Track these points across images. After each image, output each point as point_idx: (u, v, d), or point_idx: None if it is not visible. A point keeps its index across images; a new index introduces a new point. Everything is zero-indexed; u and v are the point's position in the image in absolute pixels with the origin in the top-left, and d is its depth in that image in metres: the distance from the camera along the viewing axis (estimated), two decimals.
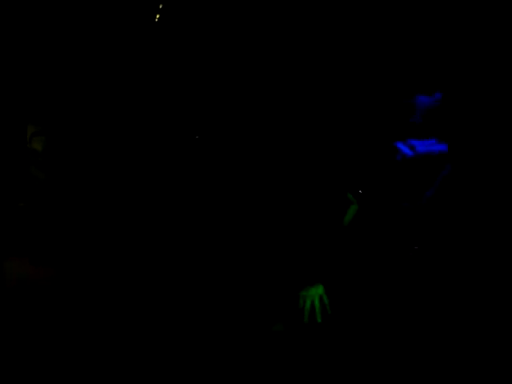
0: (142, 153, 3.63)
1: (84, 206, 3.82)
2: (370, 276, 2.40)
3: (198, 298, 2.93)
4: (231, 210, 3.10)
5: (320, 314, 2.24)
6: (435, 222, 2.53)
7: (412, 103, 2.51)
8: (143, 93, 3.68)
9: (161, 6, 3.48)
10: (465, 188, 2.56)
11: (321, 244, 2.41)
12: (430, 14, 2.66)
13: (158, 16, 3.49)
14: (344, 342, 2.37)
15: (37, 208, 3.96)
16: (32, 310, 3.01)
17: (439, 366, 2.35)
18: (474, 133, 2.58)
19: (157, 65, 3.58)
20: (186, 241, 3.23)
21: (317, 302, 2.26)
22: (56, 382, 2.46)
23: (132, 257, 3.35)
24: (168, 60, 3.53)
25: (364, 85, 2.71)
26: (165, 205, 3.43)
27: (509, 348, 2.34)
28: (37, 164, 4.12)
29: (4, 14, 3.80)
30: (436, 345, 2.37)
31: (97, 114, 3.89)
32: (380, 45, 2.72)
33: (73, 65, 3.88)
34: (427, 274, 2.44)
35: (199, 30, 3.40)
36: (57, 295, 3.19)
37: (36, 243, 3.75)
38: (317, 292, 2.27)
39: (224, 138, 3.28)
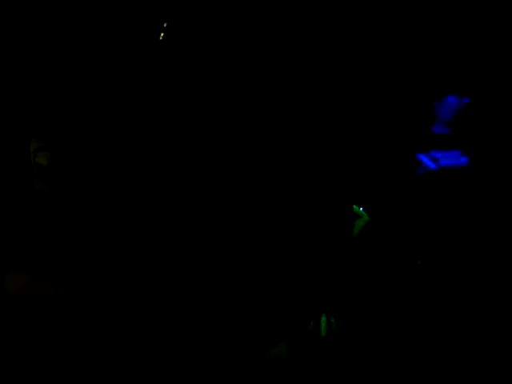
0: (146, 171, 3.63)
1: (87, 221, 3.79)
2: (376, 290, 2.31)
3: (199, 309, 2.88)
4: (238, 227, 3.08)
5: (325, 330, 2.18)
6: (452, 236, 2.42)
7: (435, 110, 2.39)
8: (147, 110, 3.68)
9: (163, 11, 3.46)
10: (486, 200, 2.44)
11: (328, 253, 2.32)
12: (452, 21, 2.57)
13: (160, 22, 3.48)
14: (350, 360, 2.32)
15: (39, 221, 3.92)
16: (32, 323, 2.97)
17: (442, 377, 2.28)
18: (498, 145, 2.46)
19: (161, 77, 3.58)
20: (188, 257, 3.19)
21: (323, 318, 2.21)
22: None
23: (134, 273, 3.31)
24: (170, 68, 3.52)
25: (383, 90, 2.61)
26: (167, 220, 3.42)
27: (509, 348, 2.31)
28: (41, 178, 4.10)
29: (9, 25, 3.79)
30: (441, 359, 2.31)
31: (100, 130, 3.88)
32: (403, 48, 2.63)
33: (77, 80, 3.88)
34: (435, 288, 2.35)
35: (200, 30, 3.40)
36: (57, 309, 3.14)
37: (37, 257, 3.69)
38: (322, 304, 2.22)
39: (229, 140, 3.26)
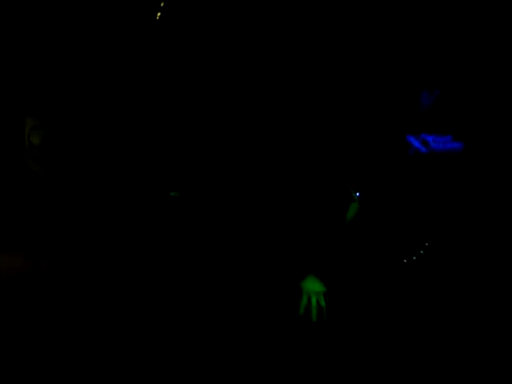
0: (141, 148, 3.60)
1: (81, 200, 3.75)
2: (370, 276, 2.25)
3: (197, 294, 2.83)
4: (231, 201, 3.05)
5: (316, 314, 2.12)
6: (444, 223, 2.34)
7: (425, 91, 2.33)
8: (142, 89, 3.61)
9: (162, 4, 3.46)
10: (478, 189, 2.37)
11: (322, 238, 2.26)
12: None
13: (158, 15, 3.48)
14: (343, 343, 2.29)
15: (33, 201, 3.90)
16: (26, 304, 2.91)
17: (439, 367, 2.25)
18: (494, 131, 2.39)
19: (157, 62, 3.55)
20: (184, 233, 3.16)
21: (314, 301, 2.14)
22: (52, 381, 2.36)
23: (129, 252, 3.25)
24: (168, 58, 3.51)
25: (370, 67, 2.54)
26: (162, 198, 3.39)
27: (509, 348, 2.25)
28: (34, 157, 4.08)
29: (2, 10, 3.79)
30: (437, 347, 2.27)
31: (96, 109, 3.79)
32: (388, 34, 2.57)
33: (72, 60, 3.78)
34: (431, 277, 2.29)
35: (199, 30, 3.40)
36: (51, 289, 3.08)
37: (30, 236, 3.66)
38: (313, 288, 2.14)
39: (224, 136, 3.25)
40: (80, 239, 3.54)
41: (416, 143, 2.34)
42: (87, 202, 3.73)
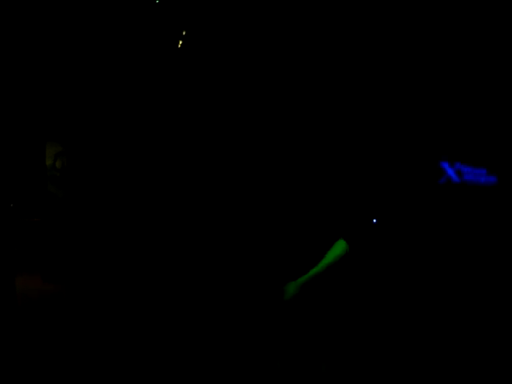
0: (160, 175, 3.67)
1: (99, 225, 3.81)
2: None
3: (197, 294, 2.96)
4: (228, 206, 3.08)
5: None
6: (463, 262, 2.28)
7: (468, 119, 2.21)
8: (161, 118, 3.71)
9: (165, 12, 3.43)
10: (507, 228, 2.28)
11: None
12: None
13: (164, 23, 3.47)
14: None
15: (52, 225, 3.90)
16: (42, 325, 3.04)
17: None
18: None
19: (176, 91, 3.61)
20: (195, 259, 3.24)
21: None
22: None
23: (142, 278, 3.34)
24: (185, 81, 3.53)
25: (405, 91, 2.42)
26: (179, 229, 3.44)
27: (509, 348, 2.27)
28: (55, 181, 4.14)
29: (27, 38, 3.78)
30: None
31: (117, 135, 3.91)
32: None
33: (94, 89, 3.94)
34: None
35: (201, 31, 3.33)
36: (66, 311, 3.21)
37: (48, 260, 3.76)
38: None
39: (224, 137, 3.25)
40: (94, 262, 3.62)
41: (450, 171, 2.24)
42: (103, 226, 3.79)
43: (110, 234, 3.74)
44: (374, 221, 2.14)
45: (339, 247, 2.14)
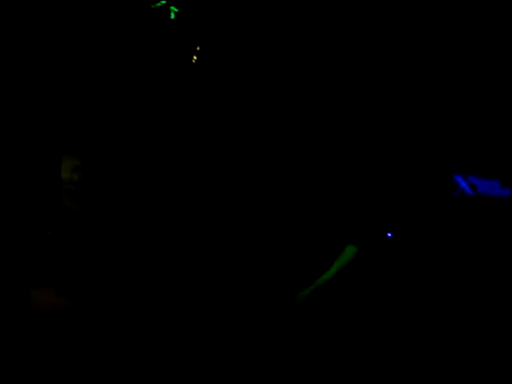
0: (176, 191, 3.72)
1: (114, 239, 3.86)
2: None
3: (198, 295, 3.05)
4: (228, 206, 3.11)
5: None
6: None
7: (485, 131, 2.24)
8: (172, 131, 3.84)
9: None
10: None
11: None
12: None
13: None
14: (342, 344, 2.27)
15: (66, 238, 4.00)
16: (56, 338, 3.11)
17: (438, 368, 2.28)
18: None
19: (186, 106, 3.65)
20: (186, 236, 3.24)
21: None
22: None
23: (159, 292, 3.41)
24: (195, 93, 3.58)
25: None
26: (196, 242, 3.49)
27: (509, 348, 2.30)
28: (70, 195, 4.19)
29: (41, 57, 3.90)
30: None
31: (135, 151, 4.02)
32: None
33: (110, 103, 4.06)
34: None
35: (202, 31, 3.38)
36: (81, 325, 3.28)
37: (63, 273, 3.84)
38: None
39: (224, 137, 3.29)
40: (108, 276, 3.69)
41: (463, 184, 2.27)
42: (117, 239, 3.84)
43: (125, 247, 3.78)
44: (389, 235, 2.17)
45: (348, 253, 2.18)
